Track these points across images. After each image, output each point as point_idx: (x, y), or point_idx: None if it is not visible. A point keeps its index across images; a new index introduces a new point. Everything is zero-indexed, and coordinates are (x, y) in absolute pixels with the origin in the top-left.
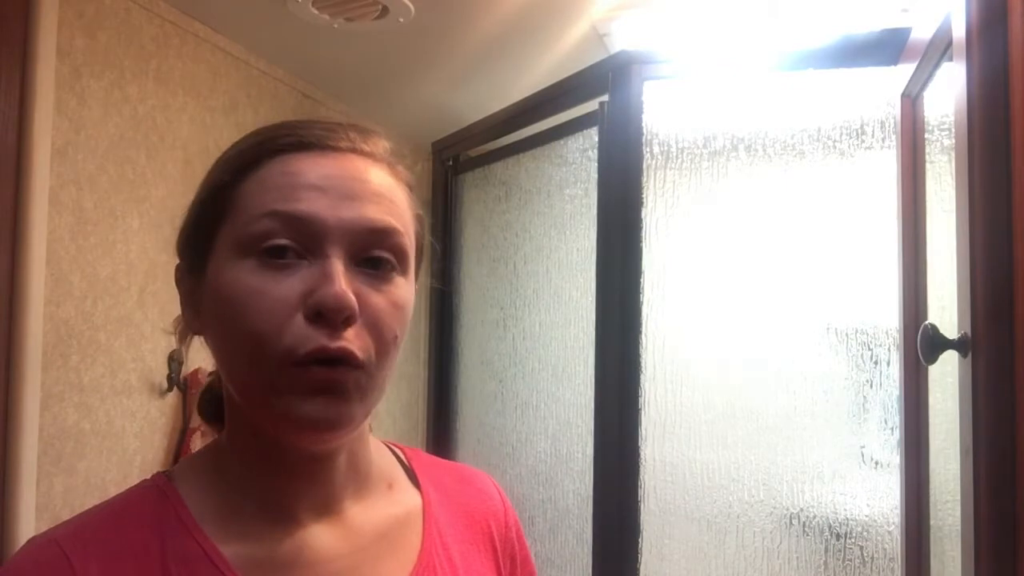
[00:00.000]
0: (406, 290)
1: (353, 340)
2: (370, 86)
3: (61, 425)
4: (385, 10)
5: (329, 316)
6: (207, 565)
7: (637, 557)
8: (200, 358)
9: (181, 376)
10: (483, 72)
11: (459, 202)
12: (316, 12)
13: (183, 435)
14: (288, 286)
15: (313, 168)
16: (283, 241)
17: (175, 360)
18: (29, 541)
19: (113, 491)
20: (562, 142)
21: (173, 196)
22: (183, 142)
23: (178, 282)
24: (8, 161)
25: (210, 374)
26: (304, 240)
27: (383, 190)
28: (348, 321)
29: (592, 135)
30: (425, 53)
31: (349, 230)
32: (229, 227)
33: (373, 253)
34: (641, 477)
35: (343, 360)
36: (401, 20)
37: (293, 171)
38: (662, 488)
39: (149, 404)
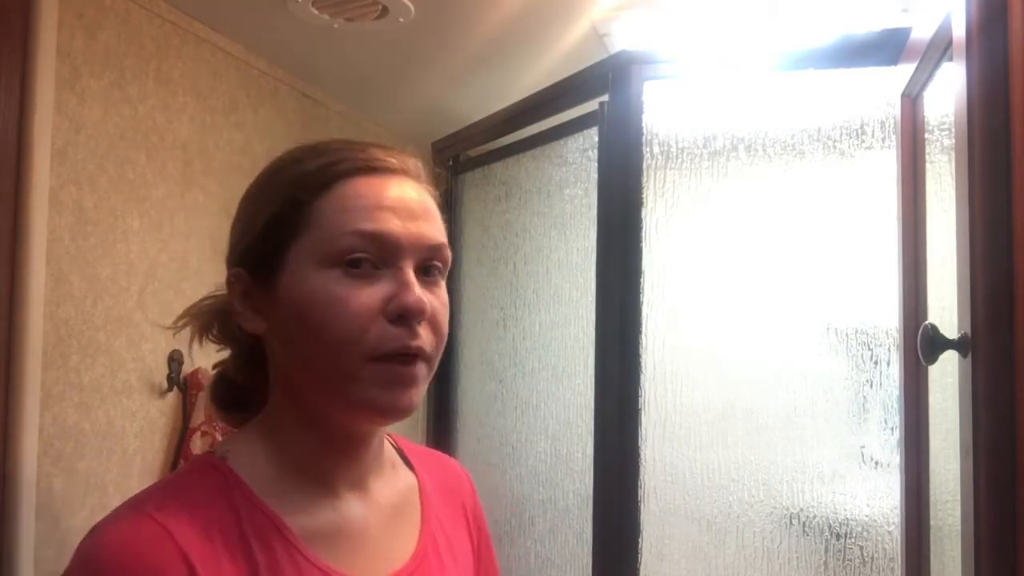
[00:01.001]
0: (446, 292)
1: (424, 337)
2: (370, 86)
3: (61, 425)
4: (385, 10)
5: (409, 318)
6: (278, 536)
7: (637, 557)
8: (200, 358)
9: (181, 376)
10: (483, 72)
11: (459, 202)
12: (316, 12)
13: (183, 435)
14: (370, 293)
15: (382, 190)
16: (364, 255)
17: (175, 360)
18: (115, 519)
19: (113, 491)
20: (562, 142)
21: (173, 196)
22: (183, 142)
23: (232, 286)
24: (8, 161)
25: (217, 365)
26: (382, 254)
27: (429, 207)
28: (421, 322)
29: (592, 135)
30: (425, 53)
31: (417, 245)
32: (308, 242)
33: (431, 263)
34: (641, 477)
35: (418, 355)
36: (401, 20)
37: (366, 193)
38: (662, 488)
39: (149, 404)
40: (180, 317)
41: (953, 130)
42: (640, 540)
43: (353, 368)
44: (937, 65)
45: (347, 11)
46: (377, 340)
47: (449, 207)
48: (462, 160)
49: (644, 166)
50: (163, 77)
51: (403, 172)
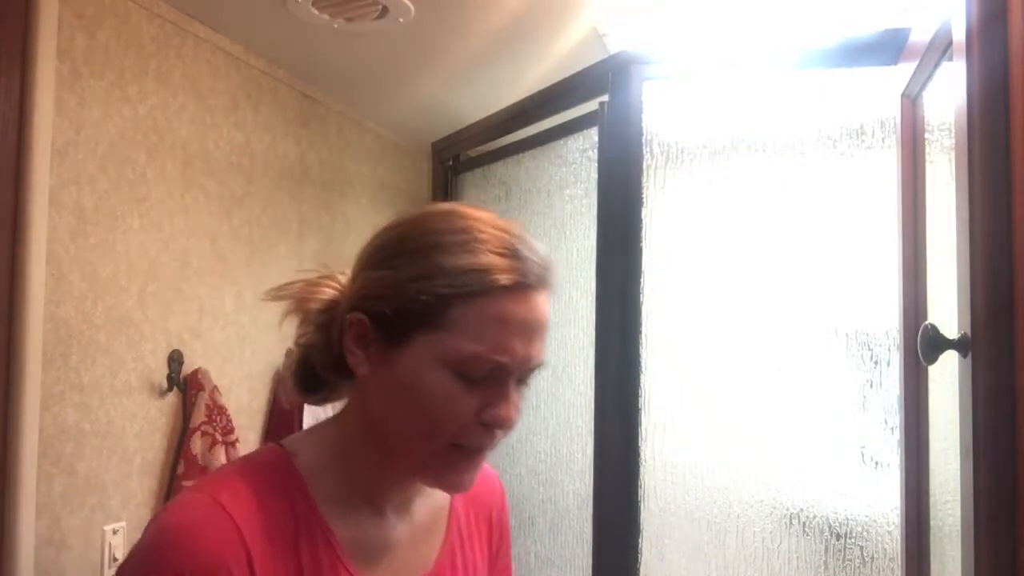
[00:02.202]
0: None
1: (498, 436)
2: (370, 86)
3: (61, 425)
4: (385, 10)
5: (498, 428)
6: (326, 546)
7: (637, 557)
8: (200, 358)
9: (181, 376)
10: (483, 72)
11: (459, 202)
12: (316, 12)
13: (183, 435)
14: (473, 398)
15: (522, 312)
16: (481, 374)
17: (175, 360)
18: (187, 499)
19: (112, 491)
20: (562, 142)
21: (173, 196)
22: (183, 142)
23: (351, 327)
24: (8, 161)
25: (294, 346)
26: (498, 373)
27: (548, 320)
28: None
29: (592, 135)
30: (425, 53)
31: (528, 368)
32: (440, 340)
33: (527, 376)
34: (641, 477)
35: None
36: (401, 20)
37: (508, 318)
38: (662, 488)
39: (149, 404)
40: (283, 291)
41: (953, 130)
42: (640, 540)
43: (434, 449)
44: (937, 65)
45: (347, 11)
46: (463, 435)
47: None
48: (462, 160)
49: (644, 166)
50: (163, 77)
51: (547, 287)
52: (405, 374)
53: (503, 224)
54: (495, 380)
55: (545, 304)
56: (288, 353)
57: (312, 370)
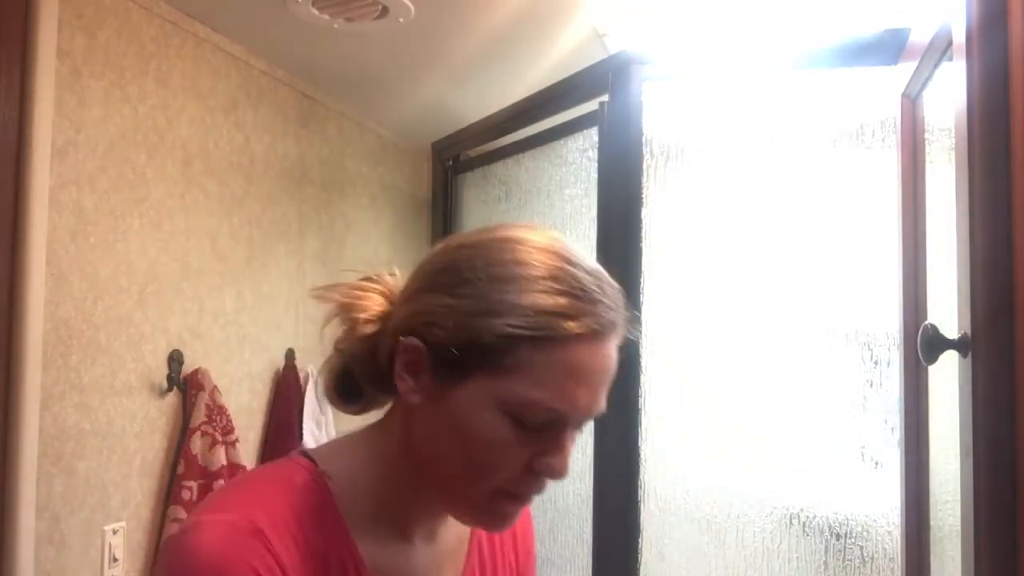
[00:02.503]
0: None
1: (547, 483)
2: (370, 86)
3: (61, 425)
4: (385, 10)
5: (549, 479)
6: (354, 569)
7: (637, 557)
8: (200, 358)
9: (181, 376)
10: (483, 72)
11: (459, 202)
12: (316, 12)
13: (183, 435)
14: (526, 445)
15: (592, 361)
16: (539, 422)
17: (175, 360)
18: (222, 521)
19: (112, 491)
20: (562, 142)
21: (173, 196)
22: (183, 142)
23: (404, 351)
24: (8, 161)
25: (335, 351)
26: (557, 420)
27: (615, 367)
28: None
29: (592, 135)
30: (425, 53)
31: (588, 417)
32: (498, 380)
33: (583, 427)
34: (641, 477)
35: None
36: (401, 20)
37: (577, 367)
38: (662, 488)
39: (149, 404)
40: (329, 292)
41: (953, 130)
42: (640, 540)
43: (479, 492)
44: (937, 65)
45: (347, 11)
46: (511, 481)
47: (449, 207)
48: (462, 160)
49: (644, 166)
50: (163, 77)
51: (620, 331)
52: (458, 412)
53: (584, 261)
54: (552, 428)
55: (615, 351)
56: (328, 359)
57: (353, 380)
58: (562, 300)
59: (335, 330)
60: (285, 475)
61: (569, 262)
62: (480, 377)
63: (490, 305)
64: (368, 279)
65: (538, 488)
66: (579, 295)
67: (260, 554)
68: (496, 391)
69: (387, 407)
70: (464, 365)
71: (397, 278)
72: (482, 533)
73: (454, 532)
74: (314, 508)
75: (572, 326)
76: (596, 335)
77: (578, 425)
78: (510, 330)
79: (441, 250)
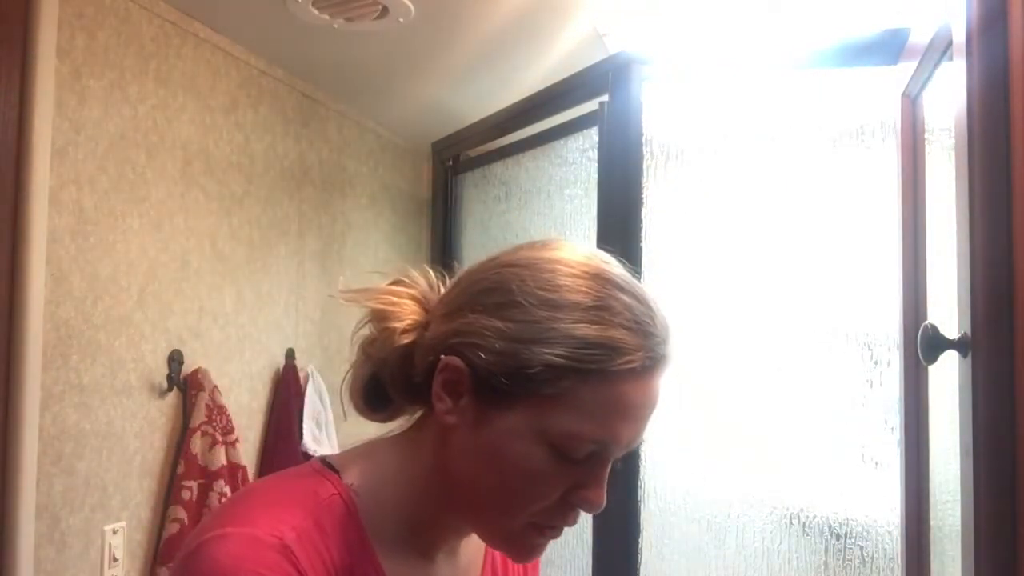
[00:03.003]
0: None
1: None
2: (370, 86)
3: (61, 425)
4: (385, 10)
5: (584, 512)
6: None
7: (637, 557)
8: (200, 358)
9: (181, 376)
10: (483, 72)
11: (459, 202)
12: (316, 12)
13: (183, 435)
14: (565, 476)
15: (639, 395)
16: (581, 455)
17: (175, 360)
18: (248, 536)
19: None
20: (562, 142)
21: (173, 196)
22: (183, 142)
23: (451, 375)
24: (8, 161)
25: (363, 356)
26: (596, 453)
27: (659, 400)
28: None
29: (592, 135)
30: (425, 53)
31: (627, 449)
32: (543, 410)
33: (621, 458)
34: (641, 477)
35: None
36: (401, 20)
37: (625, 402)
38: (662, 488)
39: (149, 404)
40: (360, 296)
41: (953, 130)
42: (640, 540)
43: (510, 522)
44: (937, 65)
45: (347, 11)
46: (544, 513)
47: (449, 207)
48: (462, 160)
49: (644, 166)
50: (163, 77)
51: (668, 364)
52: (496, 440)
53: (635, 288)
54: (592, 462)
55: (660, 383)
56: (355, 363)
57: (382, 389)
58: (615, 332)
59: (338, 331)
60: (310, 487)
61: (620, 289)
62: (523, 405)
63: (539, 333)
64: (400, 282)
65: (572, 521)
66: (632, 327)
67: (287, 571)
68: (539, 421)
69: (415, 417)
70: (508, 392)
71: (432, 280)
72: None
73: (470, 548)
74: (340, 524)
75: (621, 361)
76: (646, 370)
77: (618, 457)
78: (558, 360)
79: (487, 266)
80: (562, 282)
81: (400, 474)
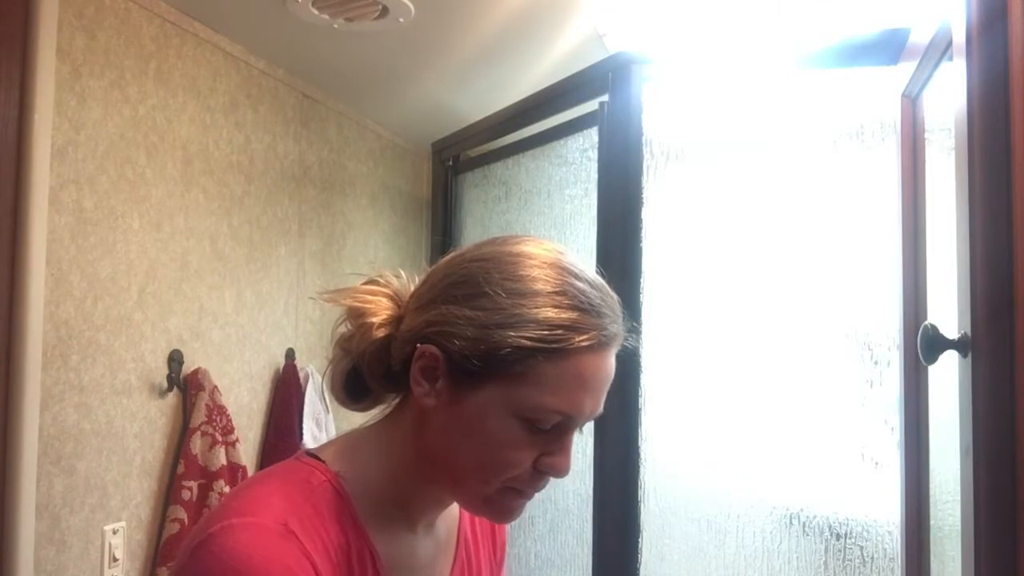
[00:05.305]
0: None
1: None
2: (370, 86)
3: (61, 425)
4: (385, 10)
5: (552, 477)
6: (372, 565)
7: (637, 557)
8: (200, 358)
9: (181, 376)
10: (483, 72)
11: (459, 202)
12: (316, 12)
13: (183, 435)
14: (534, 445)
15: (597, 369)
16: (549, 425)
17: (175, 360)
18: (252, 524)
19: (112, 491)
20: (562, 142)
21: (173, 196)
22: (183, 142)
23: (428, 362)
24: (8, 161)
25: (341, 351)
26: (563, 422)
27: (613, 373)
28: None
29: (592, 135)
30: (425, 53)
31: (589, 418)
32: (513, 388)
33: (583, 427)
34: (641, 477)
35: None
36: (401, 20)
37: (585, 375)
38: (662, 488)
39: (149, 404)
40: (337, 296)
41: (953, 130)
42: (640, 540)
43: (486, 488)
44: (937, 65)
45: (347, 11)
46: (517, 479)
47: (449, 207)
48: (462, 160)
49: (644, 166)
50: (163, 77)
51: (620, 341)
52: (472, 416)
53: (588, 275)
54: (558, 430)
55: (614, 359)
56: (334, 358)
57: (361, 380)
58: (572, 314)
59: (331, 328)
60: (302, 476)
61: (576, 276)
62: (494, 384)
63: (507, 318)
64: (374, 281)
65: (542, 485)
66: (587, 308)
67: (294, 555)
68: (510, 398)
69: (393, 403)
70: (480, 373)
71: (403, 279)
72: (467, 525)
73: (446, 523)
74: (333, 507)
75: (581, 339)
76: (601, 346)
77: (580, 427)
78: (526, 342)
79: (454, 262)
80: (524, 272)
81: (383, 456)
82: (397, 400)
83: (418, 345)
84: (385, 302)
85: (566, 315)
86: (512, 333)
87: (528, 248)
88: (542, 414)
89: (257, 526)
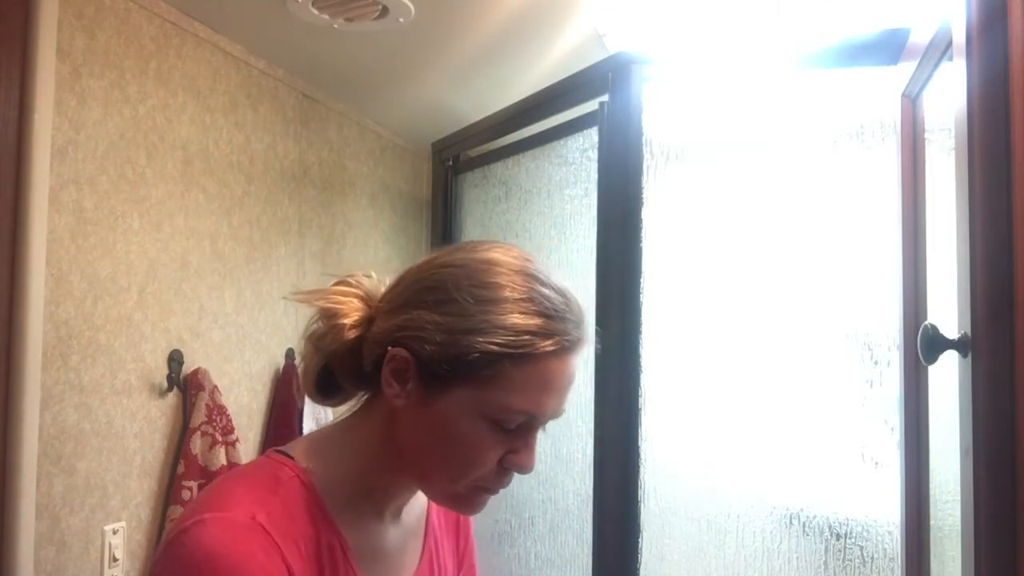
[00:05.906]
0: None
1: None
2: (370, 86)
3: (61, 425)
4: (385, 10)
5: (517, 474)
6: (343, 556)
7: (637, 557)
8: (200, 358)
9: (181, 376)
10: (483, 72)
11: (459, 202)
12: (316, 12)
13: (183, 435)
14: (500, 444)
15: (561, 372)
16: (514, 425)
17: (175, 360)
18: (224, 519)
19: (112, 491)
20: (562, 142)
21: (173, 196)
22: (183, 142)
23: (398, 365)
24: (8, 161)
25: (313, 349)
26: (528, 421)
27: (576, 376)
28: None
29: (592, 135)
30: (425, 53)
31: (554, 417)
32: (481, 391)
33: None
34: (641, 477)
35: None
36: (401, 20)
37: (549, 378)
38: (662, 488)
39: (149, 404)
40: (310, 296)
41: (953, 130)
42: (640, 540)
43: (453, 485)
44: (937, 65)
45: (347, 11)
46: (484, 478)
47: (449, 207)
48: (462, 160)
49: (644, 166)
50: (163, 77)
51: (584, 345)
52: (441, 417)
53: (554, 282)
54: (523, 430)
55: (577, 362)
56: (305, 355)
57: (332, 378)
58: (538, 320)
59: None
60: (271, 472)
61: (542, 283)
62: (463, 387)
63: (475, 324)
64: (345, 282)
65: (506, 483)
66: (551, 315)
67: (265, 548)
68: (478, 400)
69: (362, 399)
70: (449, 376)
71: (373, 280)
72: (433, 515)
73: (414, 511)
74: (302, 501)
75: (546, 344)
76: (564, 350)
77: (543, 425)
78: (493, 348)
79: (425, 266)
80: (492, 280)
81: (352, 452)
82: (367, 397)
83: (389, 348)
84: (356, 303)
85: (532, 321)
86: (480, 339)
87: (497, 255)
88: (509, 415)
89: (227, 520)
